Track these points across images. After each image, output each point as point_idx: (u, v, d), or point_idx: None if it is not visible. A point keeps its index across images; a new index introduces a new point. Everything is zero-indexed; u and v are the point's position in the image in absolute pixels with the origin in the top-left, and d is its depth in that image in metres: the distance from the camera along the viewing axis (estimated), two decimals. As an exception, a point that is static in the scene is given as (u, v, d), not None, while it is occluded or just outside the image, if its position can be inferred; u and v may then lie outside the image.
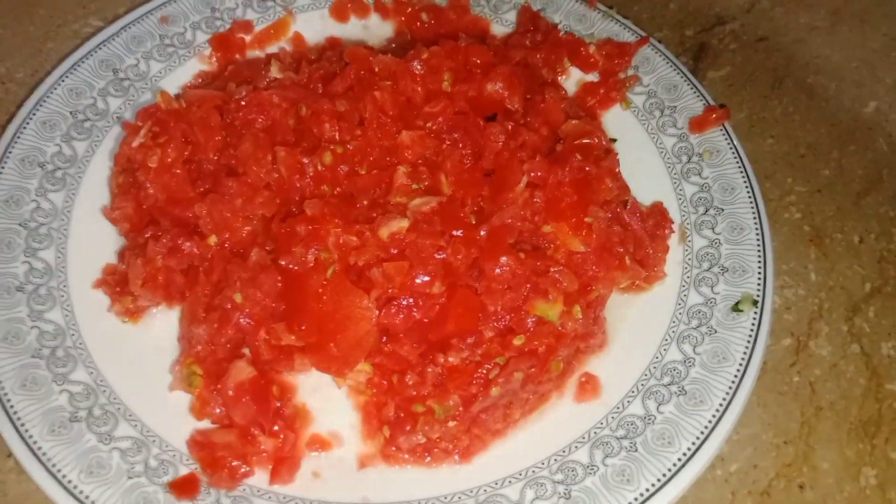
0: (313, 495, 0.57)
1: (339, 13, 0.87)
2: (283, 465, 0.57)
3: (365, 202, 0.65)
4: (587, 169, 0.65)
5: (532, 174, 0.65)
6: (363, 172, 0.67)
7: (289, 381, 0.63)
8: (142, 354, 0.63)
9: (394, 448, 0.60)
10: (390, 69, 0.70)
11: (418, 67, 0.70)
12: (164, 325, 0.66)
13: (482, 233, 0.62)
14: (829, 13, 0.97)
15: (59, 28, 0.88)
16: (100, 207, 0.70)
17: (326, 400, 0.63)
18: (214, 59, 0.82)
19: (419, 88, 0.70)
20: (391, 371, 0.62)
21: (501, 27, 0.87)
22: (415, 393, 0.60)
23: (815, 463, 0.65)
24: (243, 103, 0.68)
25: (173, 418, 0.59)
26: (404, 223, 0.62)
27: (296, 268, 0.60)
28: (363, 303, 0.60)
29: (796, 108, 0.88)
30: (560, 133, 0.71)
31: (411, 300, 0.60)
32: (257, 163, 0.65)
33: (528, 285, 0.61)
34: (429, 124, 0.69)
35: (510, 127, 0.69)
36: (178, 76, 0.80)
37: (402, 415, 0.60)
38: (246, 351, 0.62)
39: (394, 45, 0.83)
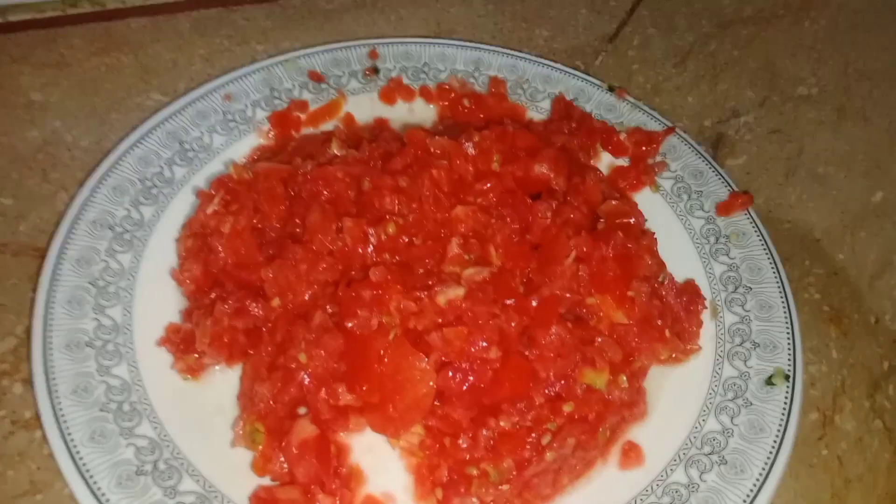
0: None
1: (388, 97, 0.94)
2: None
3: (420, 271, 0.69)
4: (629, 246, 0.70)
5: (578, 249, 0.70)
6: (418, 243, 0.72)
7: (343, 441, 0.65)
8: (202, 411, 0.66)
9: (448, 510, 0.62)
10: (445, 149, 0.76)
11: (471, 149, 0.76)
12: (223, 383, 0.68)
13: (533, 303, 0.67)
14: (835, 109, 1.05)
15: (123, 100, 0.94)
16: (164, 269, 0.74)
17: (379, 461, 0.65)
18: (272, 134, 0.88)
19: (470, 167, 0.76)
20: (443, 434, 0.64)
21: (536, 114, 0.94)
22: (468, 456, 0.63)
23: (849, 535, 0.67)
24: (309, 177, 0.73)
25: (234, 474, 0.61)
26: (460, 291, 0.66)
27: (360, 330, 0.64)
28: (423, 366, 0.63)
29: (809, 195, 0.94)
30: (600, 212, 0.76)
31: (466, 365, 0.63)
32: (323, 231, 0.69)
33: (578, 354, 0.65)
34: (479, 200, 0.75)
35: (554, 205, 0.74)
36: (238, 149, 0.86)
37: (456, 477, 0.63)
38: (301, 410, 0.65)
39: (441, 128, 0.90)
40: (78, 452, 0.58)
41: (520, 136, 0.79)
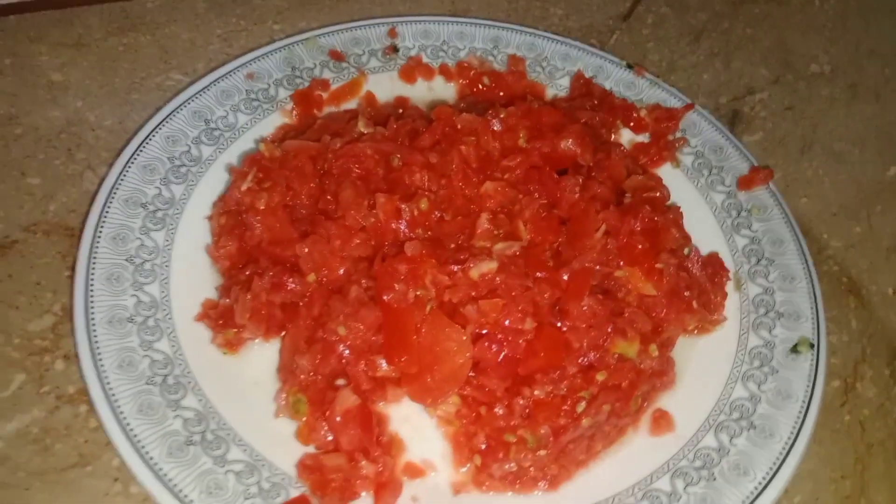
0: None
1: (408, 75, 0.94)
2: (385, 490, 0.61)
3: (451, 246, 0.70)
4: (656, 219, 0.72)
5: (607, 222, 0.71)
6: (448, 219, 0.73)
7: (382, 411, 0.67)
8: (242, 383, 0.67)
9: (486, 475, 0.63)
10: (472, 126, 0.77)
11: (497, 125, 0.77)
12: (260, 356, 0.69)
13: (564, 276, 0.68)
14: (847, 87, 1.07)
15: (143, 80, 0.94)
16: (196, 246, 0.74)
17: (416, 430, 0.67)
18: (295, 113, 0.89)
19: (497, 144, 0.77)
20: (478, 403, 0.66)
21: (555, 91, 0.95)
22: (504, 424, 0.64)
23: (872, 497, 0.69)
24: (339, 154, 0.74)
25: (278, 443, 0.62)
26: (493, 265, 0.67)
27: (397, 304, 0.65)
28: (460, 337, 0.64)
29: (825, 171, 0.96)
30: (625, 187, 0.77)
31: (501, 336, 0.65)
32: (356, 207, 0.70)
33: (609, 325, 0.66)
34: (506, 176, 0.76)
35: (581, 180, 0.75)
36: (263, 128, 0.86)
37: (493, 444, 0.64)
38: (339, 382, 0.66)
39: (462, 105, 0.90)
40: (128, 424, 0.59)
41: (545, 113, 0.80)
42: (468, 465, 0.64)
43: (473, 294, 0.66)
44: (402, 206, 0.70)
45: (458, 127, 0.77)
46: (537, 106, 0.80)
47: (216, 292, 0.72)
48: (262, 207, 0.70)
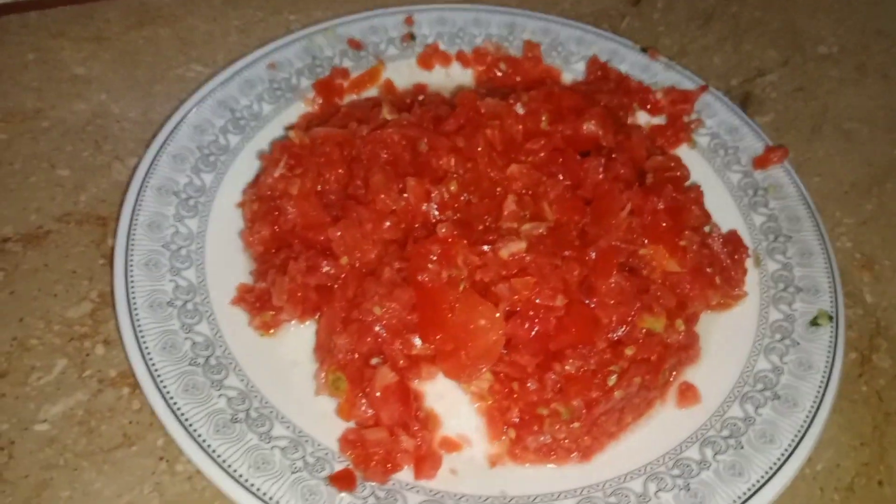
0: (455, 489, 0.62)
1: (425, 62, 0.96)
2: (426, 462, 0.63)
3: (479, 227, 0.72)
4: (678, 197, 0.74)
5: (632, 202, 0.73)
6: (475, 201, 0.75)
7: (417, 388, 0.69)
8: (281, 363, 0.69)
9: (521, 448, 0.65)
10: (495, 110, 0.78)
11: (520, 109, 0.79)
12: (296, 337, 0.71)
13: (592, 254, 0.70)
14: (855, 67, 1.08)
15: (165, 72, 0.96)
16: (228, 232, 0.76)
17: (451, 406, 0.69)
18: (318, 102, 0.90)
19: (520, 127, 0.79)
20: (510, 378, 0.68)
21: (571, 76, 0.97)
22: (536, 398, 0.66)
23: (891, 462, 0.72)
24: (367, 140, 0.75)
25: (319, 420, 0.64)
26: (522, 245, 0.69)
27: (430, 283, 0.67)
28: (493, 315, 0.66)
29: (836, 150, 0.98)
30: (646, 167, 0.79)
31: (532, 313, 0.66)
32: (386, 192, 0.72)
33: (637, 301, 0.68)
34: (530, 159, 0.77)
35: (603, 161, 0.77)
36: (286, 116, 0.88)
37: (527, 417, 0.66)
38: (374, 360, 0.68)
39: (482, 91, 0.92)
40: (175, 403, 0.61)
41: (566, 96, 0.81)
42: (502, 439, 0.66)
43: (504, 273, 0.68)
44: (432, 189, 0.72)
45: (482, 111, 0.79)
46: (558, 90, 0.82)
47: (249, 277, 0.74)
48: (294, 193, 0.72)
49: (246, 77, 0.89)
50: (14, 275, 0.74)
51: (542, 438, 0.65)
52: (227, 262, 0.74)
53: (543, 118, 0.79)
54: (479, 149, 0.75)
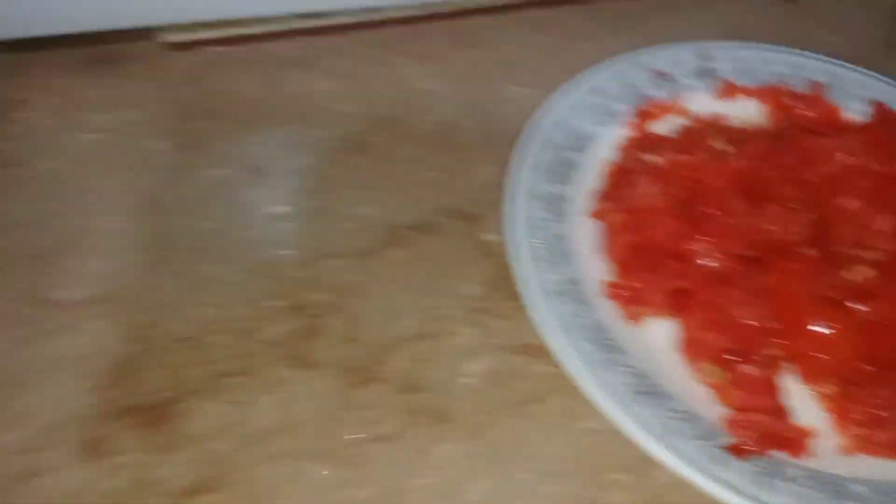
0: (825, 469, 0.74)
1: (722, 95, 1.08)
2: (796, 443, 0.75)
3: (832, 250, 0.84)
4: None
5: None
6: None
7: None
8: (654, 352, 0.82)
9: (870, 443, 0.76)
10: (824, 147, 0.90)
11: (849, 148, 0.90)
12: (659, 330, 0.84)
13: (931, 281, 0.80)
14: None
15: (496, 92, 1.11)
16: (586, 240, 0.90)
17: (798, 400, 0.80)
18: (637, 126, 1.03)
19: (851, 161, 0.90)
20: (851, 383, 0.79)
21: (851, 116, 1.07)
22: (880, 401, 0.77)
23: None
24: (715, 168, 0.88)
25: (704, 402, 0.77)
26: (871, 271, 0.80)
27: (792, 297, 0.79)
28: (846, 329, 0.78)
29: None
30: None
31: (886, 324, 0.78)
32: (736, 212, 0.85)
33: None
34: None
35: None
36: (613, 139, 1.01)
37: (871, 417, 0.77)
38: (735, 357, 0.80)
39: (783, 125, 1.03)
40: (589, 372, 0.75)
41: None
42: (852, 432, 0.78)
43: (854, 293, 0.79)
44: (787, 214, 0.84)
45: (810, 147, 0.90)
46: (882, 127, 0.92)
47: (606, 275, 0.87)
48: (661, 207, 0.86)
49: (573, 100, 1.03)
50: (413, 256, 0.91)
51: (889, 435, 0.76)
52: (588, 261, 0.88)
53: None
54: (817, 180, 0.87)
